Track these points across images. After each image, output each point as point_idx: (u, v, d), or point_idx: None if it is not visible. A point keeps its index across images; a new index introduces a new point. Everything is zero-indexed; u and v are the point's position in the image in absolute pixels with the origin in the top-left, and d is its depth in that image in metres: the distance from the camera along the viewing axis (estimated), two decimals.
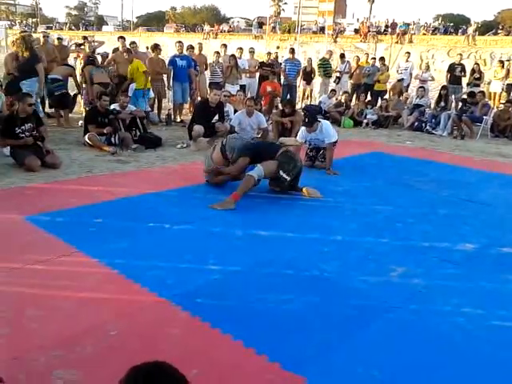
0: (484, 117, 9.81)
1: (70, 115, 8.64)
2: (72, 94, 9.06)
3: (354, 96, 11.98)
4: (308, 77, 12.24)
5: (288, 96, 11.05)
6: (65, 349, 2.30)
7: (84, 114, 8.09)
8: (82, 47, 10.09)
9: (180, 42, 9.72)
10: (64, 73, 8.64)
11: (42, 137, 5.79)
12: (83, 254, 3.33)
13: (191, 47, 10.08)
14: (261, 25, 37.27)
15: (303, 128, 6.27)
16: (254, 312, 2.73)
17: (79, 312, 2.64)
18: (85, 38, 11.55)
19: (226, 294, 2.93)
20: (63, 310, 2.66)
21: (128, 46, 9.30)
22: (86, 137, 6.86)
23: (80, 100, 9.41)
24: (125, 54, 8.91)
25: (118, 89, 8.66)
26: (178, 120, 9.60)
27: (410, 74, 12.64)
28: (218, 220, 4.19)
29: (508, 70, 13.04)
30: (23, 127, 5.62)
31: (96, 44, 10.93)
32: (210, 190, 5.11)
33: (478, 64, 12.78)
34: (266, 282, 3.11)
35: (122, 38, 9.83)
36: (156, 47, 9.46)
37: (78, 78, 9.06)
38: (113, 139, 6.93)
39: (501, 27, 33.61)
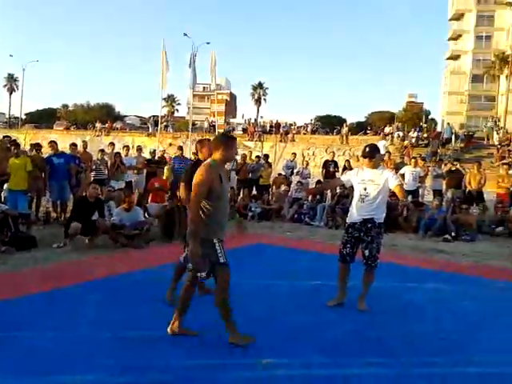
0: None
1: None
2: None
3: (241, 190, 12.59)
4: None
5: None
6: None
7: None
8: None
9: (53, 141, 9.85)
10: None
11: None
12: None
13: (74, 145, 10.14)
14: (157, 123, 38.25)
15: None
16: None
17: None
18: None
19: None
20: None
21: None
22: None
23: None
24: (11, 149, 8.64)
25: None
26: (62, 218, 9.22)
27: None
28: None
29: None
30: None
31: None
32: (74, 292, 4.91)
33: (348, 160, 14.25)
34: None
35: None
36: (37, 146, 9.37)
37: None
38: None
39: (369, 128, 38.17)
